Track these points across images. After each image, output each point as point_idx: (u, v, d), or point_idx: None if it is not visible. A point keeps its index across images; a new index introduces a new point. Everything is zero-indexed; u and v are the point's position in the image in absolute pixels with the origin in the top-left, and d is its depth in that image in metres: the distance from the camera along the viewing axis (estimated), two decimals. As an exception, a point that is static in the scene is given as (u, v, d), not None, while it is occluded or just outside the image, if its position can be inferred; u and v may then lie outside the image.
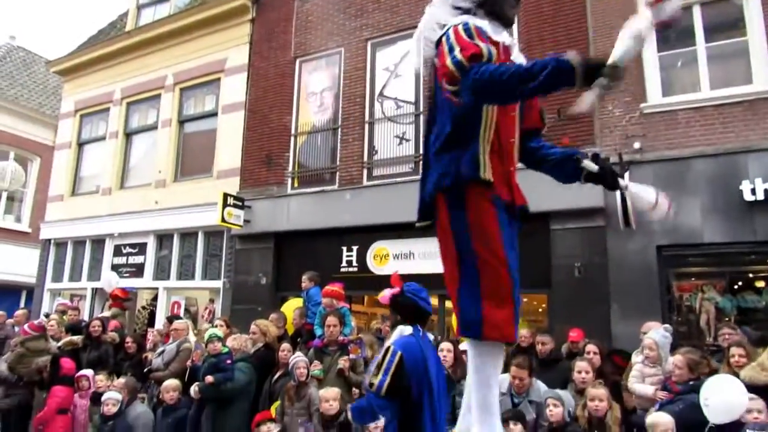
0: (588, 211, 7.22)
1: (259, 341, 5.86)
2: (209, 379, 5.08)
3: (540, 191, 7.39)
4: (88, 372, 6.20)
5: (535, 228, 7.65)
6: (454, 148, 2.28)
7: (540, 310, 8.83)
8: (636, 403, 4.75)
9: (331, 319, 5.42)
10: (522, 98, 2.19)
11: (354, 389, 5.28)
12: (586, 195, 7.18)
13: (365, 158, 9.34)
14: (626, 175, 2.68)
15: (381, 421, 3.50)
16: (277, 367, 5.56)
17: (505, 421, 4.29)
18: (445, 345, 4.90)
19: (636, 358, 5.06)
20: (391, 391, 3.09)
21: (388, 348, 3.27)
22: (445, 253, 2.34)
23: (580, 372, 4.75)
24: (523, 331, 6.77)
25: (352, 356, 5.28)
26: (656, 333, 4.89)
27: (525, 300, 8.84)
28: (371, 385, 3.13)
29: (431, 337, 5.01)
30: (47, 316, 7.90)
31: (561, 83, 1.90)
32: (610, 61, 1.85)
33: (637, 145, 7.19)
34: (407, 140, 9.07)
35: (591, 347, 5.29)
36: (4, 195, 16.06)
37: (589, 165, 2.39)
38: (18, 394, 6.39)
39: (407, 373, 3.11)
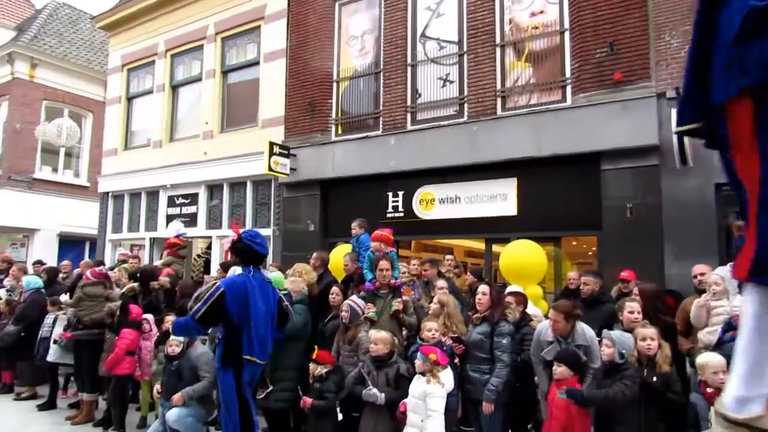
0: (641, 150, 6.95)
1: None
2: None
3: (590, 131, 7.25)
4: (149, 316, 6.54)
5: (585, 169, 7.46)
6: None
7: (590, 252, 8.71)
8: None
9: (384, 263, 5.50)
10: None
11: (404, 330, 5.41)
12: (639, 133, 6.93)
13: (408, 102, 9.20)
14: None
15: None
16: (329, 309, 5.72)
17: (549, 364, 4.34)
18: (481, 288, 4.90)
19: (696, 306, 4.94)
20: (207, 317, 4.12)
21: (215, 284, 4.21)
22: (744, 168, 1.58)
23: (632, 312, 4.70)
24: (572, 274, 6.73)
25: (405, 298, 5.38)
26: (721, 269, 4.79)
27: (574, 242, 8.74)
28: (191, 308, 3.97)
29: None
30: (111, 269, 8.31)
31: None
32: None
33: (696, 77, 6.80)
34: (451, 82, 8.86)
35: (634, 305, 5.18)
36: (62, 151, 16.73)
37: None
38: (86, 335, 6.83)
39: (227, 305, 4.04)
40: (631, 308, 4.74)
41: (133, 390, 6.90)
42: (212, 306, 4.06)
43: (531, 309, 5.55)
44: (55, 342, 7.17)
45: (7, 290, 8.72)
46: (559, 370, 4.20)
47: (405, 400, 4.42)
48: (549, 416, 4.24)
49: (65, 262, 10.19)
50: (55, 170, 17.08)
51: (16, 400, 7.94)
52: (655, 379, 4.01)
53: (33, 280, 8.34)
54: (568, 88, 7.78)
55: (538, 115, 7.79)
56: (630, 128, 6.99)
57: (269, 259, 10.13)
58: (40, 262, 9.84)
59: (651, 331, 4.17)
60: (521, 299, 5.34)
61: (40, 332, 7.61)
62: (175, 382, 5.86)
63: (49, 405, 7.46)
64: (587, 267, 7.84)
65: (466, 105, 8.57)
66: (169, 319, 6.44)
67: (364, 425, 4.69)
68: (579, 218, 7.59)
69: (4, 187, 15.66)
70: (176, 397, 5.71)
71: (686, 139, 5.87)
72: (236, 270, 4.34)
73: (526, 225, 7.83)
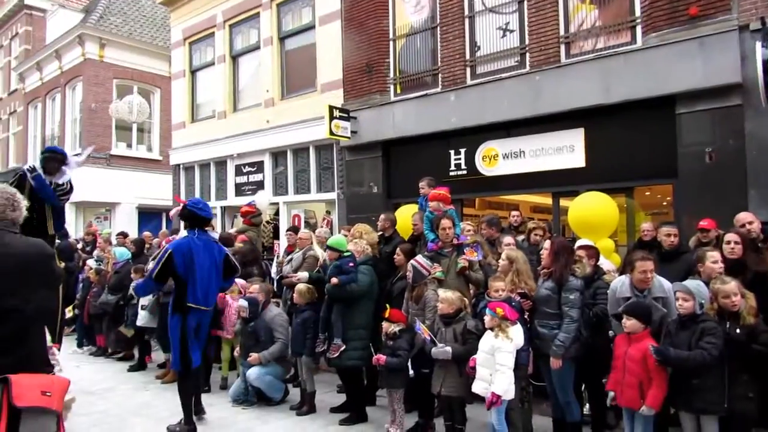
0: (721, 90, 6.49)
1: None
2: (334, 280, 5.42)
3: (663, 72, 6.81)
4: (241, 281, 6.83)
5: (658, 114, 7.06)
6: None
7: (664, 202, 8.31)
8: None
9: (445, 222, 5.47)
10: None
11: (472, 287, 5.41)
12: (718, 71, 6.46)
13: (467, 56, 8.94)
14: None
15: None
16: (396, 269, 5.79)
17: (618, 316, 4.22)
18: (546, 244, 4.81)
19: None
20: (161, 275, 5.02)
21: (165, 247, 5.25)
22: None
23: (715, 262, 4.47)
24: (646, 225, 6.46)
25: (469, 258, 5.36)
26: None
27: (647, 192, 8.35)
28: (147, 270, 5.01)
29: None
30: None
31: None
32: None
33: (783, 6, 6.22)
34: (511, 31, 8.52)
35: (731, 236, 4.88)
36: (135, 127, 17.50)
37: None
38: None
39: (175, 263, 4.94)
40: (714, 258, 4.52)
41: (215, 351, 7.29)
42: (164, 265, 4.95)
43: (603, 263, 5.38)
44: (143, 308, 7.66)
45: (96, 260, 9.35)
46: (629, 323, 4.08)
47: (474, 356, 4.45)
48: (619, 369, 4.14)
49: (146, 234, 10.78)
50: (129, 146, 17.94)
51: (111, 359, 8.62)
52: (738, 331, 3.83)
53: (123, 252, 8.89)
54: (638, 29, 7.31)
55: (606, 59, 7.38)
56: (708, 67, 6.51)
57: (336, 222, 10.34)
58: (123, 234, 10.43)
59: (731, 286, 3.94)
60: (592, 253, 5.19)
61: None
62: (253, 342, 6.18)
63: (139, 366, 8.03)
64: (662, 218, 7.50)
65: (527, 55, 8.24)
66: (241, 282, 6.73)
67: (434, 380, 4.78)
68: (652, 167, 7.23)
69: (85, 165, 16.61)
70: (253, 357, 6.03)
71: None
72: (183, 233, 5.43)
73: (595, 177, 7.54)
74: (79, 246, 10.73)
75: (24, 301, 2.64)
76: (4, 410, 2.35)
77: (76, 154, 5.67)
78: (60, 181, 5.52)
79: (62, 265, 8.84)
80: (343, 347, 5.43)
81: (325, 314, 5.68)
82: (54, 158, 5.58)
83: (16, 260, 2.66)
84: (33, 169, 5.47)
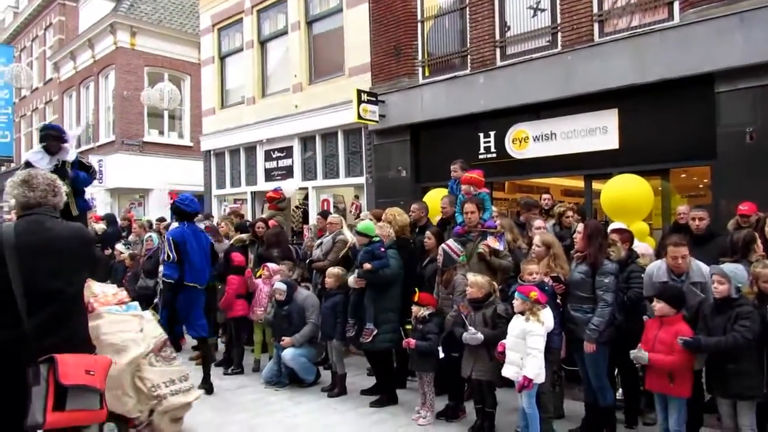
0: (763, 67, 6.25)
1: (386, 235, 6.03)
2: (367, 265, 5.45)
3: (701, 50, 6.59)
4: (272, 265, 6.93)
5: (695, 93, 6.85)
6: None
7: (701, 185, 8.10)
8: None
9: (468, 206, 5.44)
10: None
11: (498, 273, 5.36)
12: (760, 47, 6.22)
13: (497, 36, 8.80)
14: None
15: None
16: (425, 253, 5.78)
17: (650, 299, 4.14)
18: (579, 227, 4.72)
19: None
20: (174, 258, 5.77)
21: (166, 236, 6.29)
22: None
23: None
24: (682, 208, 6.30)
25: (490, 245, 5.31)
26: None
27: (683, 174, 8.15)
28: (168, 257, 5.74)
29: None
30: (218, 224, 8.83)
31: None
32: None
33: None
34: (542, 10, 8.34)
35: None
36: (166, 114, 17.77)
37: None
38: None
39: (178, 246, 5.77)
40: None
41: (248, 334, 7.41)
42: (174, 250, 5.77)
43: (638, 246, 5.28)
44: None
45: (124, 244, 9.56)
46: (659, 306, 4.01)
47: (503, 341, 4.43)
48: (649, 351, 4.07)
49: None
50: (161, 133, 18.25)
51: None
52: (777, 314, 3.73)
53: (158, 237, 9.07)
54: (676, 5, 7.08)
55: (641, 37, 7.18)
56: (749, 43, 6.28)
57: (364, 206, 10.37)
58: (162, 219, 10.64)
59: (768, 271, 3.83)
60: (626, 236, 5.09)
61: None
62: (286, 325, 6.27)
63: (174, 348, 8.19)
64: (699, 200, 7.33)
65: (559, 34, 8.06)
66: (272, 266, 6.83)
67: (464, 364, 4.78)
68: (689, 148, 7.03)
69: (119, 152, 16.99)
70: (286, 340, 6.13)
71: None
72: (175, 225, 6.40)
73: (629, 158, 7.38)
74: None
75: (67, 283, 2.73)
76: (51, 388, 2.45)
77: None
78: (68, 159, 5.61)
79: (108, 252, 9.17)
80: (376, 331, 5.47)
81: (355, 299, 5.72)
82: (53, 136, 5.58)
83: (59, 244, 2.75)
84: (72, 164, 5.64)
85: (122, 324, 4.05)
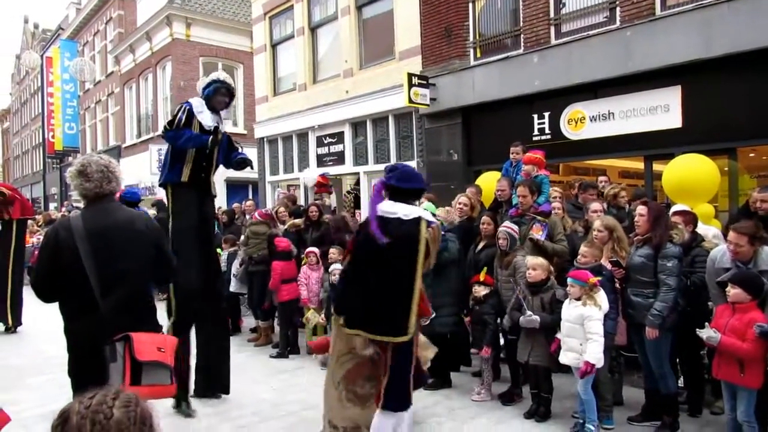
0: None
1: (466, 214, 6.07)
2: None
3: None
4: (315, 249, 7.06)
5: (765, 66, 6.47)
6: None
7: (772, 164, 7.69)
8: None
9: (521, 189, 5.37)
10: None
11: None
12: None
13: (552, 13, 8.55)
14: None
15: None
16: (480, 236, 5.74)
17: (723, 284, 3.96)
18: (639, 209, 4.52)
19: None
20: None
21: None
22: None
23: None
24: (757, 195, 5.98)
25: (535, 236, 5.23)
26: None
27: (752, 153, 7.75)
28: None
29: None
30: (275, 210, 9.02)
31: None
32: None
33: None
34: (600, -15, 8.04)
35: None
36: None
37: None
38: (255, 268, 7.62)
39: None
40: None
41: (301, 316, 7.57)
42: None
43: (702, 228, 5.07)
44: (234, 276, 8.08)
45: None
46: (734, 291, 3.81)
47: (557, 336, 4.39)
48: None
49: (235, 205, 11.28)
50: (216, 121, 18.68)
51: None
52: None
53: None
54: (745, -27, 6.68)
55: (707, 9, 6.82)
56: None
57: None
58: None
59: None
60: (690, 218, 4.90)
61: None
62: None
63: (233, 330, 8.49)
64: (769, 180, 6.95)
65: (617, 9, 7.76)
66: (333, 251, 6.92)
67: (521, 349, 4.75)
68: (759, 125, 6.66)
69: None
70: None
71: None
72: None
73: (692, 138, 7.07)
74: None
75: (135, 262, 2.88)
76: (128, 364, 2.60)
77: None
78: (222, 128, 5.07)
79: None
80: (433, 314, 5.48)
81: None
82: (227, 88, 5.06)
83: (124, 227, 2.91)
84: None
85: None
